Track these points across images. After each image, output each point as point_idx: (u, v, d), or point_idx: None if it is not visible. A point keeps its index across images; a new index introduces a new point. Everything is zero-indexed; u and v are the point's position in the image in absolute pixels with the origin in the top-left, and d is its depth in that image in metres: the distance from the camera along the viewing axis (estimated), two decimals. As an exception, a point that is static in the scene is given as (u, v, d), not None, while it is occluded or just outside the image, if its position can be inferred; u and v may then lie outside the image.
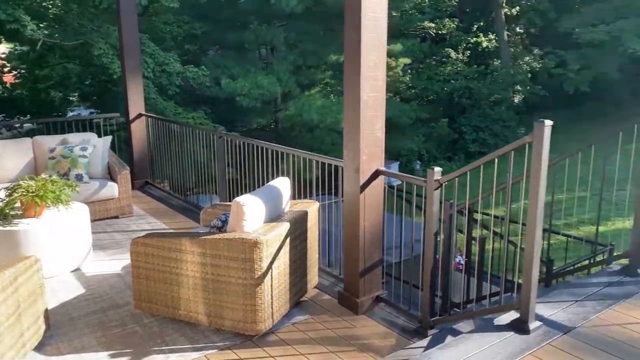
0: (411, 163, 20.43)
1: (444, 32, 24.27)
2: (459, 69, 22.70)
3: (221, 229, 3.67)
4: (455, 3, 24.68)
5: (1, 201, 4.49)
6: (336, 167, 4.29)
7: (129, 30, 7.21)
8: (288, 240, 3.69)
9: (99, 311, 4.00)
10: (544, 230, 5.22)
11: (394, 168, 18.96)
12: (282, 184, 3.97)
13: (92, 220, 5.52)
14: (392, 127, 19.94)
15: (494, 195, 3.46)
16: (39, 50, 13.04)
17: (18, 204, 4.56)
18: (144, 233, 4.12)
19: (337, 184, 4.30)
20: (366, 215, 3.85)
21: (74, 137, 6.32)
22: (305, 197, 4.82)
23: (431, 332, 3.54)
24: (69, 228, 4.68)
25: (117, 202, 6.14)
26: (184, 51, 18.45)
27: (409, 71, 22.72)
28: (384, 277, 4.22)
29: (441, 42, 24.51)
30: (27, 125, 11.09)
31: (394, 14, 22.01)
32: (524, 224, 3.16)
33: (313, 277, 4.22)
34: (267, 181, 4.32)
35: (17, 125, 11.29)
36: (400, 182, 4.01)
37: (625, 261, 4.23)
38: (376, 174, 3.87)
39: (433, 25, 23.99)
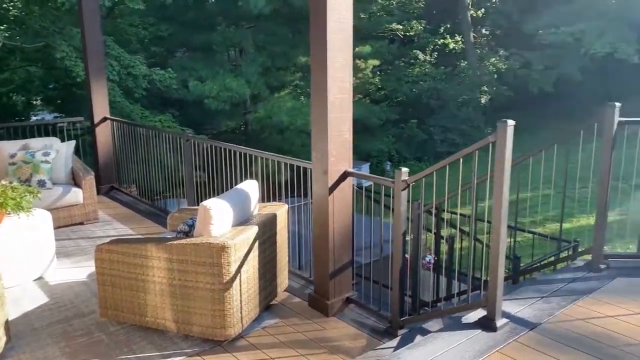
0: (382, 164, 20.58)
1: (411, 34, 24.57)
2: (427, 70, 23.01)
3: (188, 233, 3.61)
4: (422, 5, 25.01)
5: (-42, 209, 4.33)
6: (305, 169, 4.28)
7: (92, 32, 7.06)
8: (257, 243, 3.66)
9: (63, 320, 3.89)
10: (510, 227, 5.32)
11: (365, 169, 19.07)
12: (250, 187, 3.94)
13: (56, 227, 5.37)
14: (362, 128, 20.15)
15: (459, 194, 3.50)
16: (-2, 53, 12.69)
17: (-24, 212, 4.40)
18: (109, 239, 4.03)
19: (306, 186, 4.29)
20: (335, 217, 3.85)
21: (35, 142, 6.15)
22: (275, 200, 4.79)
23: (401, 332, 3.56)
24: (31, 236, 4.55)
25: (81, 208, 6.00)
26: (151, 53, 18.19)
27: (378, 73, 22.90)
28: (354, 278, 4.22)
29: (409, 43, 24.80)
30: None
31: (362, 16, 22.18)
32: (489, 222, 3.21)
33: (283, 280, 4.20)
34: (237, 184, 4.29)
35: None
36: (371, 183, 4.03)
37: (588, 257, 4.33)
38: (344, 175, 3.87)
39: (401, 27, 24.27)
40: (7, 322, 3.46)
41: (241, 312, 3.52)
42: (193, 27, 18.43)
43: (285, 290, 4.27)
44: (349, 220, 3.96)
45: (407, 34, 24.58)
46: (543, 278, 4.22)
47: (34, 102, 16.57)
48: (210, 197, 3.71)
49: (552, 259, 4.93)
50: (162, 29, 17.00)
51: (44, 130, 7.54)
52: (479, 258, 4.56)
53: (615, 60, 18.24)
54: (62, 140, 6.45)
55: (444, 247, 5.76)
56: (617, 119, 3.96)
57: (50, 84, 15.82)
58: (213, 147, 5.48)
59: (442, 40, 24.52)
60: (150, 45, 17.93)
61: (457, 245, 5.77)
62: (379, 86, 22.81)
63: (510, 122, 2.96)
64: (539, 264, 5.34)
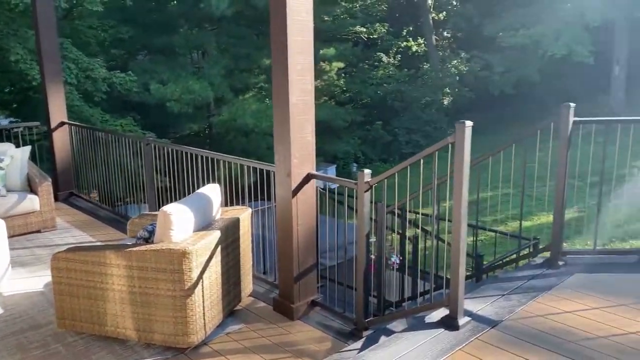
0: (348, 166, 20.68)
1: (375, 36, 24.79)
2: (390, 72, 23.26)
3: (148, 239, 3.54)
4: (385, 8, 25.27)
5: None
6: (268, 172, 4.25)
7: (47, 34, 6.85)
8: (219, 248, 3.61)
9: (18, 332, 3.75)
10: (472, 226, 5.41)
11: (331, 171, 19.13)
12: (212, 191, 3.88)
13: (11, 236, 5.20)
14: (328, 130, 20.22)
15: (421, 195, 3.53)
16: (-52, 56, 12.18)
17: None
18: (68, 247, 3.91)
19: (271, 189, 4.26)
20: (299, 220, 3.83)
21: (-12, 148, 5.92)
22: (239, 204, 4.74)
23: (366, 333, 3.56)
24: (-17, 245, 4.38)
25: (38, 215, 5.81)
26: (111, 56, 17.79)
27: (343, 75, 23.02)
28: (320, 281, 4.21)
29: (373, 46, 25.02)
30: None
31: (326, 18, 22.27)
32: (450, 221, 3.24)
33: (247, 285, 4.15)
34: (199, 189, 4.22)
35: None
36: (337, 185, 4.03)
37: (547, 254, 4.43)
38: (308, 177, 3.85)
39: (364, 30, 24.46)
40: (-43, 337, 3.32)
41: (204, 319, 3.46)
42: (154, 30, 18.12)
43: (249, 295, 4.22)
44: (313, 222, 3.94)
45: (371, 36, 24.80)
46: (504, 276, 4.30)
47: (-12, 107, 15.98)
48: (172, 202, 3.64)
49: (514, 256, 5.03)
50: (123, 31, 16.63)
51: (-2, 135, 7.28)
52: (443, 257, 4.61)
53: (571, 62, 18.82)
54: (18, 146, 6.23)
55: (409, 247, 5.82)
56: (571, 118, 4.07)
57: (5, 88, 15.27)
58: (175, 151, 5.39)
59: (405, 43, 24.84)
60: (110, 48, 17.54)
61: (421, 245, 5.83)
62: (344, 88, 22.95)
63: (468, 123, 3.01)
64: (501, 262, 5.46)
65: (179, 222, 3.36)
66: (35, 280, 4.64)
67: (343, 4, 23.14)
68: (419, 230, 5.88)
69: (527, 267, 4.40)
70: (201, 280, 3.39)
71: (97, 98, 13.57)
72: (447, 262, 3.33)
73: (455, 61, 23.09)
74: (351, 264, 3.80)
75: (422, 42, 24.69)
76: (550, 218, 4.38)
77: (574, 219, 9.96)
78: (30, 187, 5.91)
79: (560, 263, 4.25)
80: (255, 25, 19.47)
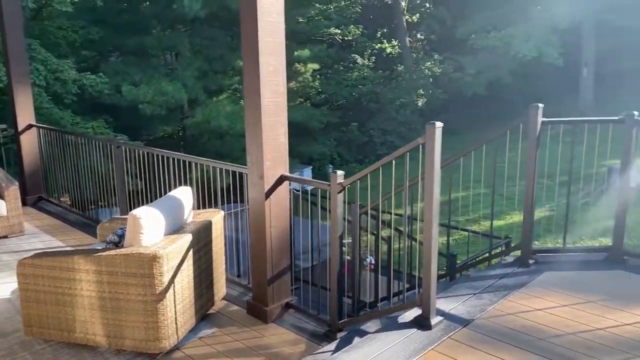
0: (324, 167, 20.70)
1: (349, 38, 24.87)
2: (365, 74, 23.37)
3: (118, 244, 3.48)
4: (359, 10, 25.37)
5: None
6: (241, 174, 4.21)
7: (13, 35, 6.70)
8: (191, 252, 3.56)
9: (-17, 341, 3.65)
10: (444, 226, 5.46)
11: (308, 173, 19.11)
12: (183, 194, 3.83)
13: (-24, 242, 5.05)
14: (303, 132, 20.21)
15: (393, 196, 3.54)
16: None
17: None
18: (35, 252, 3.81)
19: (245, 191, 4.22)
20: (272, 222, 3.81)
21: (-48, 152, 5.76)
22: (213, 207, 4.69)
23: (340, 334, 3.56)
24: (-53, 252, 4.25)
25: (5, 220, 5.67)
26: (82, 57, 17.47)
27: (318, 76, 23.05)
28: (295, 283, 4.19)
29: (347, 48, 25.10)
30: None
31: (300, 20, 22.28)
32: (422, 221, 3.26)
33: (220, 288, 4.11)
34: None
35: None
36: (313, 187, 4.01)
37: (518, 253, 4.50)
38: (281, 179, 3.84)
39: (339, 31, 24.52)
40: None
41: (176, 323, 3.41)
42: (126, 31, 17.86)
43: (223, 299, 4.18)
44: (286, 224, 3.93)
45: (346, 38, 24.88)
46: (476, 274, 4.34)
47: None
48: (144, 205, 3.59)
49: (487, 255, 5.09)
50: (93, 32, 16.36)
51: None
52: (417, 257, 4.64)
53: (541, 64, 19.17)
54: (-18, 150, 6.08)
55: (384, 248, 5.85)
56: (540, 119, 4.14)
57: (-30, 90, 14.88)
58: (146, 153, 5.32)
59: (379, 45, 24.98)
60: (81, 49, 17.23)
61: (395, 246, 5.86)
62: (319, 90, 22.98)
63: (438, 124, 3.03)
64: (474, 261, 5.52)
65: (149, 226, 3.31)
66: (1, 288, 4.52)
67: (317, 5, 23.18)
68: (393, 231, 5.91)
69: (499, 265, 4.45)
70: (172, 285, 3.35)
71: (68, 100, 13.32)
72: (419, 262, 3.35)
73: (429, 63, 23.32)
74: (326, 266, 3.79)
75: (396, 44, 24.87)
76: (522, 217, 4.44)
77: (545, 217, 10.16)
78: (-3, 191, 5.76)
79: (531, 261, 4.32)
80: (229, 27, 19.35)
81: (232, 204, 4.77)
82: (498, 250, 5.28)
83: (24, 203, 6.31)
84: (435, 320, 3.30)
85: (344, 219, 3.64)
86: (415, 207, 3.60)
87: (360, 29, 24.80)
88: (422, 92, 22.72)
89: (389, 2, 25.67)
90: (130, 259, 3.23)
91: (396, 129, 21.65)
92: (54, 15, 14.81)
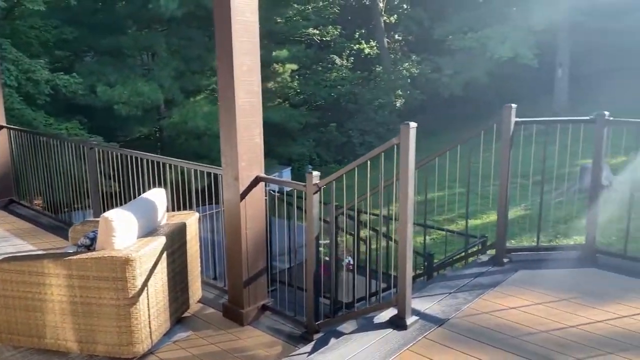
0: (303, 168, 20.68)
1: (328, 38, 24.90)
2: (344, 74, 23.43)
3: (90, 247, 3.41)
4: (337, 11, 25.42)
5: None
6: (216, 175, 4.17)
7: (-18, 34, 6.54)
8: (165, 254, 3.52)
9: (-50, 349, 3.55)
10: (422, 225, 5.49)
11: (287, 173, 19.07)
12: (157, 196, 3.78)
13: (-57, 247, 4.91)
14: (282, 132, 20.16)
15: (369, 196, 3.54)
16: None
17: None
18: (5, 257, 3.72)
19: (221, 192, 4.18)
20: (248, 223, 3.78)
21: None
22: (189, 208, 4.63)
23: (316, 336, 3.54)
24: None
25: (-26, 224, 5.53)
26: (55, 57, 17.17)
27: (297, 77, 23.04)
28: (272, 285, 4.16)
29: (326, 48, 25.13)
30: None
31: (278, 20, 22.21)
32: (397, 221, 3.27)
33: (196, 291, 4.06)
34: (145, 193, 4.11)
35: None
36: (290, 188, 3.99)
37: (493, 252, 4.54)
38: (256, 180, 3.81)
39: (317, 32, 24.53)
40: None
41: (150, 327, 3.36)
42: (101, 30, 17.58)
43: (198, 302, 4.14)
44: (262, 226, 3.90)
45: (324, 38, 24.90)
46: (452, 274, 4.36)
47: None
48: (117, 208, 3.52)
49: (463, 254, 5.13)
50: (67, 32, 16.06)
51: None
52: (394, 257, 4.65)
53: (517, 65, 19.43)
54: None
55: (363, 248, 5.85)
56: (513, 119, 4.18)
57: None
58: (120, 155, 5.24)
59: (357, 46, 25.07)
60: (54, 49, 16.93)
61: (373, 246, 5.86)
62: (298, 90, 22.98)
63: (413, 125, 3.04)
64: (451, 260, 5.55)
65: (121, 228, 3.25)
66: (-30, 293, 4.39)
67: (295, 5, 23.15)
68: (370, 231, 5.92)
69: (474, 264, 4.48)
70: (146, 288, 3.30)
71: (41, 101, 13.08)
72: (396, 261, 3.35)
73: (407, 64, 23.46)
74: (303, 267, 3.77)
75: (374, 44, 24.98)
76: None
77: (520, 216, 10.29)
78: (-35, 194, 5.62)
79: (505, 260, 4.36)
80: (206, 27, 19.19)
81: (207, 205, 4.73)
82: (474, 249, 5.32)
83: (-6, 206, 6.17)
84: (410, 320, 3.31)
85: (321, 219, 3.63)
86: (392, 207, 3.60)
87: (339, 30, 24.85)
88: (400, 93, 22.86)
89: (367, 3, 25.78)
90: (102, 263, 3.17)
91: (375, 130, 21.75)
92: (26, 15, 14.52)
